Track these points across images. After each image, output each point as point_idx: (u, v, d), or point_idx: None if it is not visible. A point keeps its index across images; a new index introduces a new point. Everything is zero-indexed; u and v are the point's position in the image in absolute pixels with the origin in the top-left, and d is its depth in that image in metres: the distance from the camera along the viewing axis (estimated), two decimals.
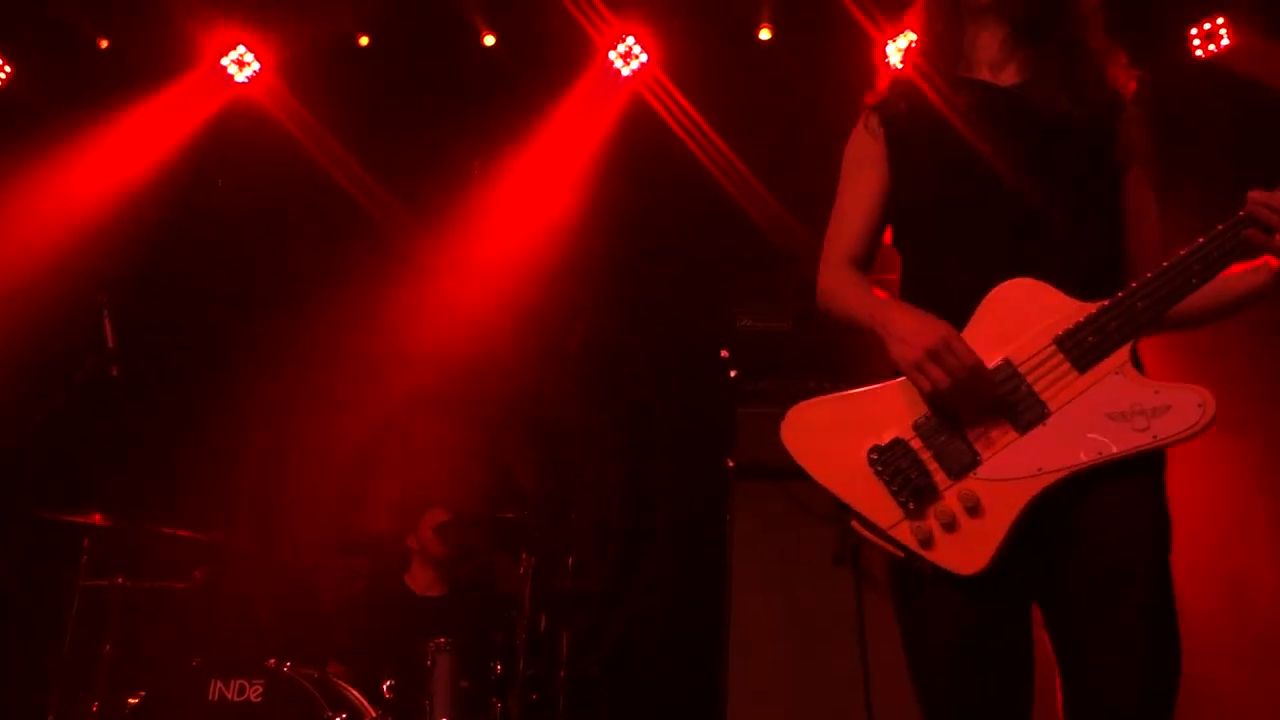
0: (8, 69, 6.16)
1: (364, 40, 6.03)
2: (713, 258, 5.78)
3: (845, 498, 2.15)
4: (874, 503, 2.12)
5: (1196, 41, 5.55)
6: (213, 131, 6.09)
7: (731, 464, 4.68)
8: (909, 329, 2.11)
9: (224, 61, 6.07)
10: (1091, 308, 2.08)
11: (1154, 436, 2.00)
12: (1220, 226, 2.04)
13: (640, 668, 5.46)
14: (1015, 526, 2.04)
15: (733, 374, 4.88)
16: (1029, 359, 2.09)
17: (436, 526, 4.91)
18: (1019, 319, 2.12)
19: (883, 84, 2.43)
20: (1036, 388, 2.08)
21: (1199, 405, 1.99)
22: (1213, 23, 5.52)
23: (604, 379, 5.75)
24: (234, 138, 6.09)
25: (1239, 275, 2.15)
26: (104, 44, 6.11)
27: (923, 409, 2.14)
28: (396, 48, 6.08)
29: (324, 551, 5.22)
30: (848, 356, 5.01)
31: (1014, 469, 2.05)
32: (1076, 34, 2.27)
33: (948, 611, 2.12)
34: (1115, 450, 2.01)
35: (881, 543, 2.12)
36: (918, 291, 2.27)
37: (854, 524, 2.15)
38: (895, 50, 5.65)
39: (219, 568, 4.63)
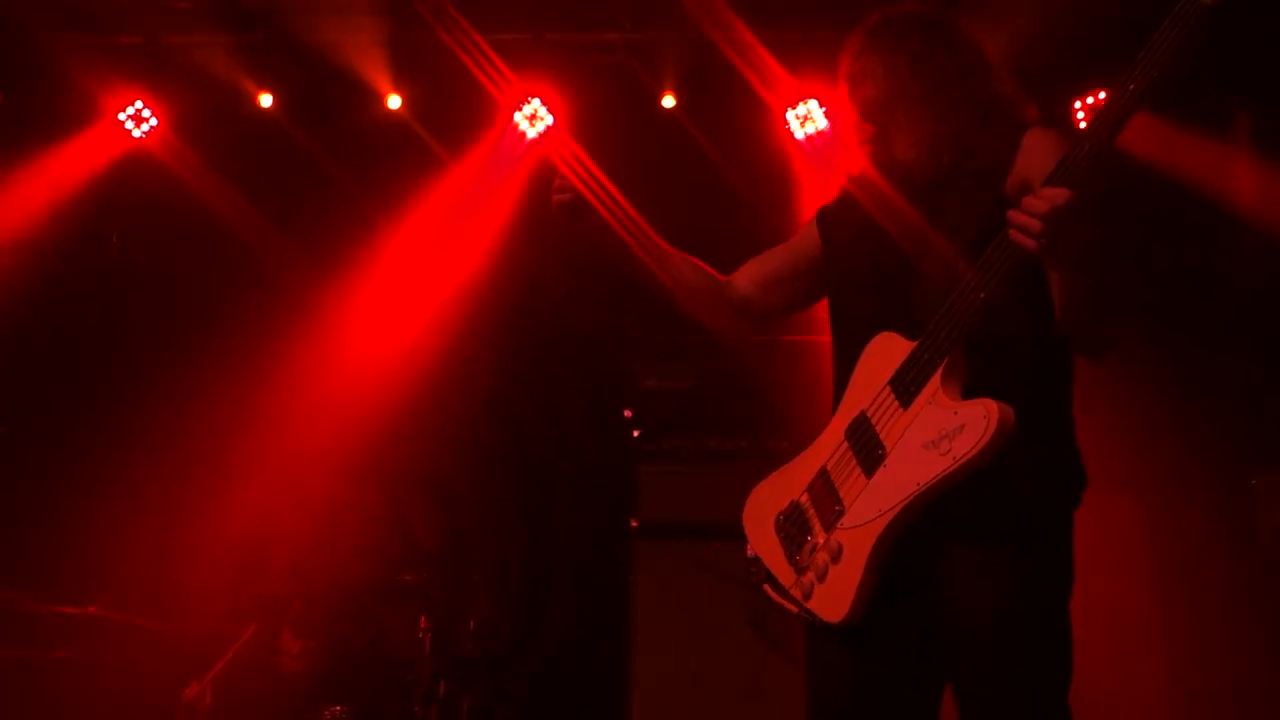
0: None
1: (266, 100, 5.99)
2: (616, 319, 5.80)
3: (766, 564, 2.24)
4: (779, 565, 2.20)
5: (1081, 114, 5.79)
6: (107, 187, 5.97)
7: (635, 524, 4.67)
8: None
9: (121, 117, 5.98)
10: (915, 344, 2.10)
11: (953, 458, 1.96)
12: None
13: None
14: (869, 571, 2.03)
15: (635, 434, 4.90)
16: (874, 405, 2.14)
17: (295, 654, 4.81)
18: (875, 372, 2.17)
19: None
20: (879, 431, 2.11)
21: (983, 416, 1.96)
22: (1095, 96, 5.75)
23: (506, 439, 5.71)
24: (130, 194, 5.98)
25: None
26: None
27: (815, 469, 2.20)
28: (300, 108, 6.05)
29: (215, 617, 5.05)
30: (749, 415, 5.07)
31: (865, 514, 2.07)
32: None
33: (839, 668, 2.16)
34: (925, 479, 1.99)
35: (786, 603, 2.16)
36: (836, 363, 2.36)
37: (766, 588, 2.21)
38: (794, 118, 5.81)
39: (97, 639, 4.44)
